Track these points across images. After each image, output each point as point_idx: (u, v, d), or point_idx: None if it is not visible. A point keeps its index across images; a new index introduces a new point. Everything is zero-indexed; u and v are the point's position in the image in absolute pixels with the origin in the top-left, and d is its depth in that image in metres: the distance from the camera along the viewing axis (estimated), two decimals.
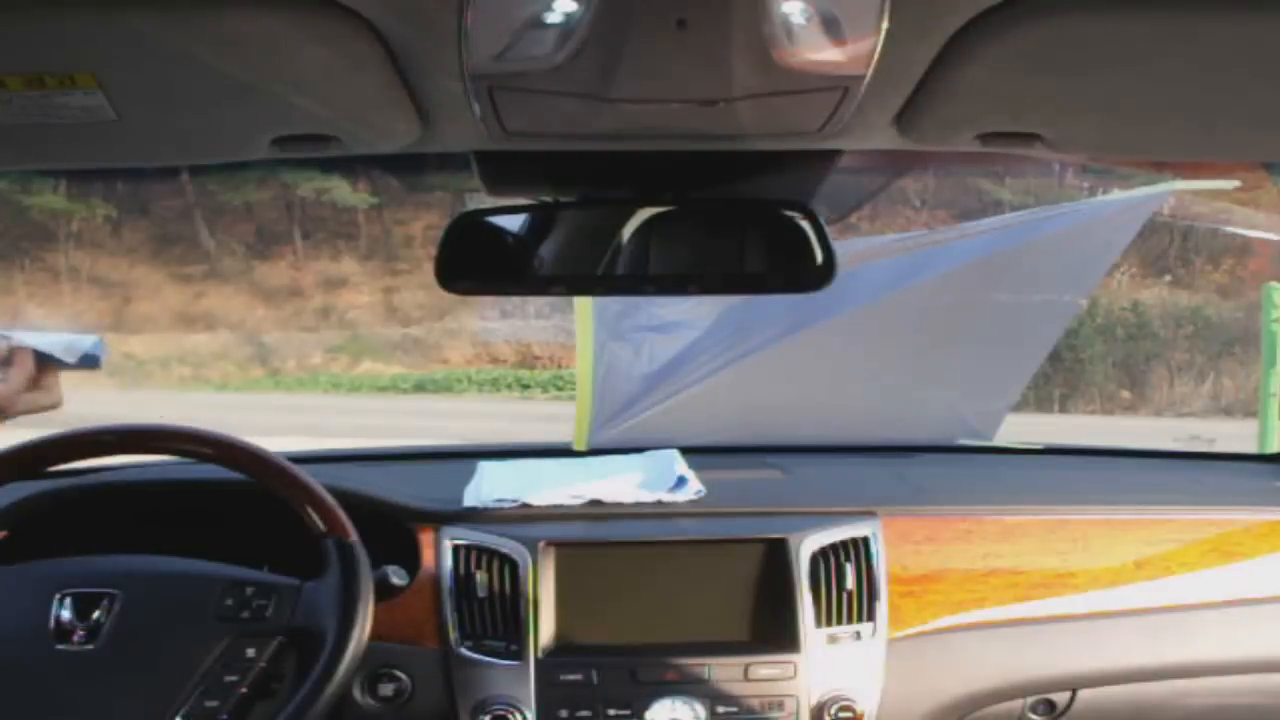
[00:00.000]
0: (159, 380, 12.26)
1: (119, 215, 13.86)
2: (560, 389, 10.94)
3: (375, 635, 1.32)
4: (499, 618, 1.47)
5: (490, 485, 1.67)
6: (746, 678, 1.46)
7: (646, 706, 1.44)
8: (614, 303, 3.34)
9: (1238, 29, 0.71)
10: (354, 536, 1.34)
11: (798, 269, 1.21)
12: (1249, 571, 1.62)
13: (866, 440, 2.42)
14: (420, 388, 12.22)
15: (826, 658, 1.47)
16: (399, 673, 1.46)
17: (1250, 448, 4.79)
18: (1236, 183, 4.40)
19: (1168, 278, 12.21)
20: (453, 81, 0.80)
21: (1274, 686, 1.61)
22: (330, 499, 1.36)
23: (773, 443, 2.24)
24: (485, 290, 1.33)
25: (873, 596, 1.51)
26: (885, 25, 0.70)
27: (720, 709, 1.44)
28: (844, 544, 1.52)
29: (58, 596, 1.31)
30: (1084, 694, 1.56)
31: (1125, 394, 11.27)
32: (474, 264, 1.22)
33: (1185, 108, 0.85)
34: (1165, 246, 12.10)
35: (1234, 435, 6.66)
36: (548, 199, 1.24)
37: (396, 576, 1.44)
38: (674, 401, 3.43)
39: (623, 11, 0.70)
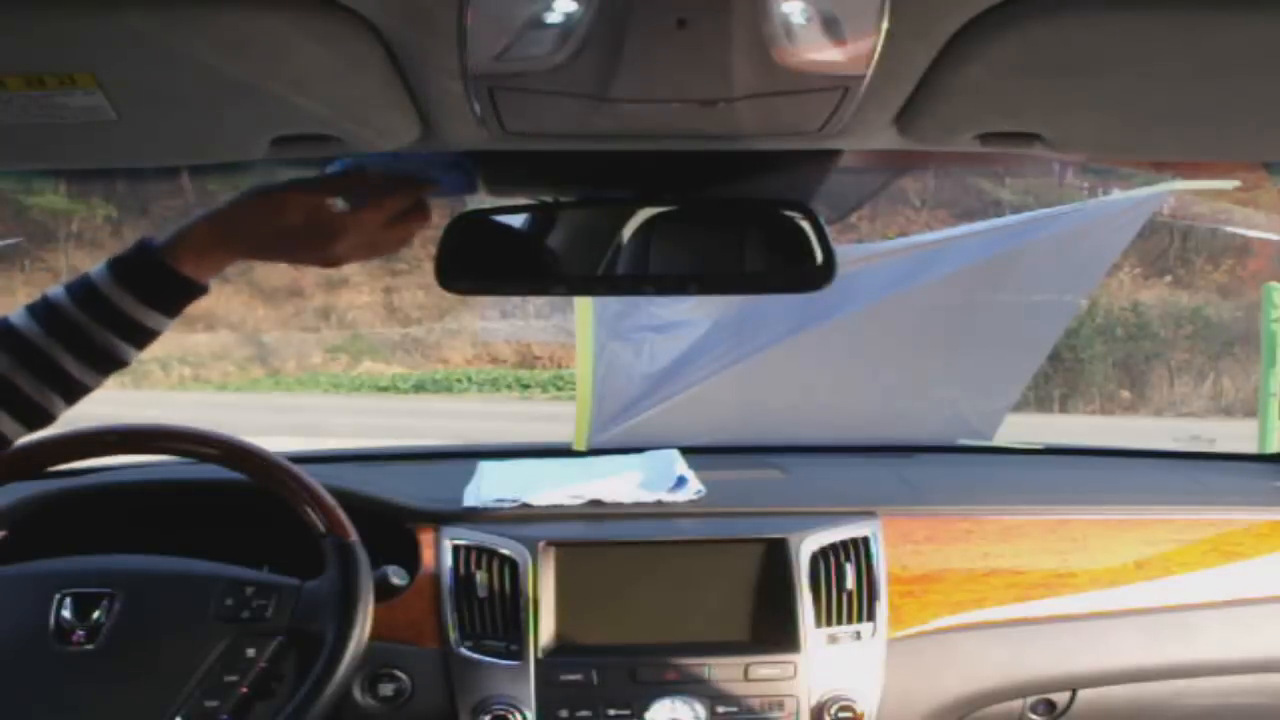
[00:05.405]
0: (159, 380, 12.25)
1: (119, 215, 13.85)
2: (560, 389, 10.93)
3: (375, 635, 1.32)
4: (499, 618, 1.47)
5: (490, 485, 1.67)
6: (746, 678, 1.46)
7: (646, 707, 1.44)
8: (614, 303, 3.35)
9: (1238, 29, 0.70)
10: (354, 536, 1.34)
11: (798, 269, 1.21)
12: (1249, 571, 1.62)
13: (866, 440, 2.43)
14: (420, 388, 12.21)
15: (826, 658, 1.47)
16: (399, 673, 1.46)
17: (1250, 448, 4.79)
18: (1236, 183, 4.40)
19: (1168, 278, 12.20)
20: (453, 81, 0.80)
21: (1274, 686, 1.61)
22: (330, 499, 1.36)
23: (773, 443, 2.24)
24: (485, 290, 1.32)
25: (873, 596, 1.50)
26: (885, 25, 0.70)
27: (720, 709, 1.44)
28: (844, 544, 1.52)
29: (58, 596, 1.31)
30: (1084, 694, 1.56)
31: (1125, 394, 11.26)
32: (474, 264, 1.22)
33: (1185, 108, 0.85)
34: (1165, 246, 12.09)
35: (1234, 435, 6.65)
36: (548, 199, 1.24)
37: (396, 576, 1.44)
38: (674, 401, 3.43)
39: (622, 11, 0.69)
